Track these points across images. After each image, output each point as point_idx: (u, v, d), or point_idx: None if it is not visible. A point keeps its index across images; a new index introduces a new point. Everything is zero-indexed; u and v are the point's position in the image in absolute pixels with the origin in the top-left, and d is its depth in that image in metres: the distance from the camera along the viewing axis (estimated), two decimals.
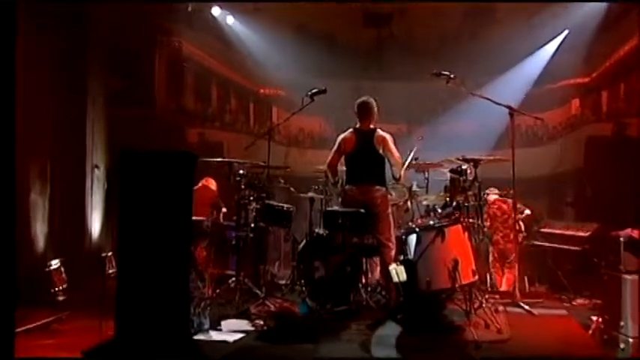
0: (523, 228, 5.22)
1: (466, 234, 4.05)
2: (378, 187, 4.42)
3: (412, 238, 4.06)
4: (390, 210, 4.49)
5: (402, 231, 4.28)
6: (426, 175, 5.12)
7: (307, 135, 8.12)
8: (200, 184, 5.56)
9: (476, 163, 4.39)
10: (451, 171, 4.31)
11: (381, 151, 4.43)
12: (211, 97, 7.54)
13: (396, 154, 4.49)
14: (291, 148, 7.84)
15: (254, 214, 4.74)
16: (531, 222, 5.44)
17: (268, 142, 4.73)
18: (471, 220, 4.22)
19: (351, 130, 4.56)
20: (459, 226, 4.04)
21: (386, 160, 4.51)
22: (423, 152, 5.15)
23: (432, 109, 7.63)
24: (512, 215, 4.83)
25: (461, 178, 4.19)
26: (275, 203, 5.04)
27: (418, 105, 7.61)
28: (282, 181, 5.51)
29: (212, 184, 5.67)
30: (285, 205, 5.10)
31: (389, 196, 4.61)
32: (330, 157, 4.61)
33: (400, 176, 4.51)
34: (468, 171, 4.26)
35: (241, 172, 4.70)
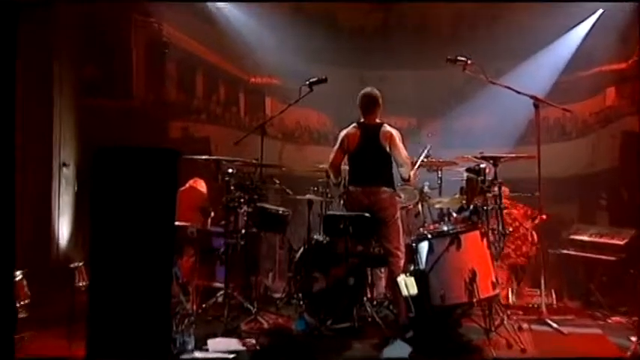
0: (536, 238, 5.19)
1: (485, 241, 4.07)
2: (384, 188, 4.40)
3: (424, 246, 4.09)
4: (398, 214, 4.48)
5: (413, 238, 4.30)
6: (439, 175, 5.13)
7: (305, 129, 8.11)
8: (187, 186, 5.59)
9: (496, 161, 4.40)
10: (467, 170, 4.32)
11: (388, 149, 4.42)
12: (196, 87, 7.54)
13: (404, 152, 4.47)
14: (286, 144, 7.85)
15: (245, 218, 4.76)
16: (556, 228, 5.45)
17: (261, 137, 4.74)
18: (490, 226, 4.25)
19: (354, 125, 4.56)
20: (477, 232, 4.07)
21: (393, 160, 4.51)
22: (435, 149, 5.16)
23: (446, 101, 7.63)
24: (525, 223, 4.83)
25: (479, 179, 4.20)
26: (269, 206, 5.07)
27: (430, 96, 7.62)
28: (277, 181, 5.53)
29: (201, 186, 5.69)
30: (280, 209, 5.13)
31: (397, 198, 4.61)
32: (332, 156, 4.60)
33: (409, 177, 4.49)
34: (487, 170, 4.27)
35: (230, 171, 4.72)
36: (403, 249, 4.37)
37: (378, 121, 4.54)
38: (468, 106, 7.36)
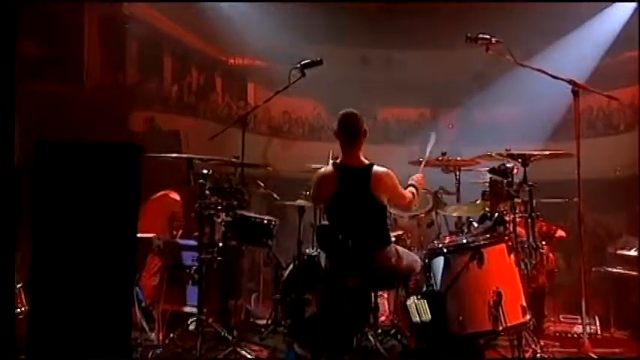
0: (553, 263, 5.19)
1: (512, 257, 4.07)
2: (380, 249, 4.22)
3: (438, 263, 4.10)
4: (400, 252, 4.33)
5: (425, 252, 4.30)
6: (457, 177, 5.14)
7: (296, 122, 8.14)
8: (160, 194, 5.65)
9: (526, 159, 4.39)
10: (491, 171, 4.32)
11: (384, 201, 4.20)
12: (163, 70, 7.56)
13: (408, 195, 4.32)
14: (273, 140, 7.86)
15: (222, 229, 4.76)
16: (600, 241, 5.46)
17: (243, 131, 4.74)
18: (519, 239, 4.26)
19: (330, 167, 4.27)
20: (503, 245, 4.08)
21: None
22: (453, 145, 5.19)
23: (465, 87, 7.68)
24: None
25: (505, 181, 4.20)
26: (251, 214, 5.08)
27: (446, 81, 7.66)
28: (261, 183, 5.55)
29: (174, 195, 5.77)
30: (266, 217, 5.15)
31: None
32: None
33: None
34: (515, 171, 4.26)
35: (205, 171, 4.71)
36: (416, 265, 4.34)
37: (363, 159, 4.22)
38: (491, 94, 7.42)
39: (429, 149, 4.86)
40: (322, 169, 4.33)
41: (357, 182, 4.17)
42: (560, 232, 5.38)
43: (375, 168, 4.18)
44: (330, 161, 4.41)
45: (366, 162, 4.22)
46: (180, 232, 5.43)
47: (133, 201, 3.35)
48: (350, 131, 4.22)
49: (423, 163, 4.68)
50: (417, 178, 4.57)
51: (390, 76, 8.21)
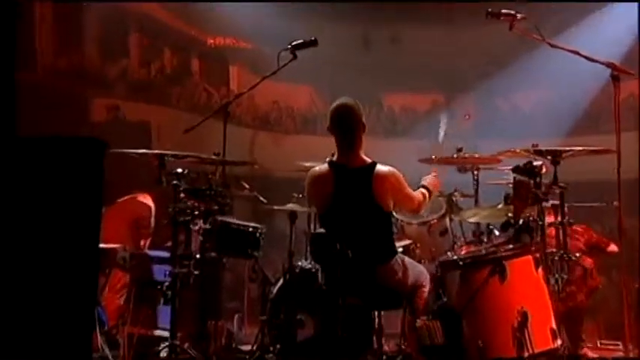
0: (598, 280, 5.22)
1: (540, 271, 4.08)
2: (385, 262, 4.24)
3: (453, 278, 4.12)
4: (407, 262, 4.37)
5: (438, 265, 4.31)
6: (476, 177, 5.15)
7: (287, 113, 8.15)
8: (126, 197, 5.69)
9: (556, 156, 4.40)
10: (515, 170, 4.31)
11: (390, 206, 4.22)
12: (130, 52, 7.54)
13: (417, 197, 4.34)
14: (260, 134, 7.86)
15: (200, 238, 4.77)
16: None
17: (224, 122, 4.75)
18: (548, 249, 4.27)
19: (325, 165, 4.29)
20: (529, 257, 4.08)
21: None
22: (470, 139, 5.19)
23: (484, 70, 7.68)
24: (584, 258, 4.82)
25: (531, 182, 4.20)
26: (234, 221, 5.08)
27: (462, 64, 7.66)
28: (246, 185, 5.57)
29: (145, 199, 5.80)
30: (251, 225, 5.15)
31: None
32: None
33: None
34: (543, 169, 4.27)
35: (179, 170, 4.72)
36: (426, 282, 4.37)
37: (364, 157, 4.23)
38: (514, 78, 7.43)
39: (442, 133, 4.85)
40: (316, 168, 4.34)
41: (357, 185, 4.18)
42: (613, 247, 5.36)
43: (379, 168, 4.18)
44: (327, 158, 4.39)
45: (368, 161, 4.22)
46: (148, 241, 5.41)
47: (94, 206, 3.30)
48: (345, 126, 4.23)
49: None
50: (431, 180, 4.57)
51: (396, 57, 8.21)
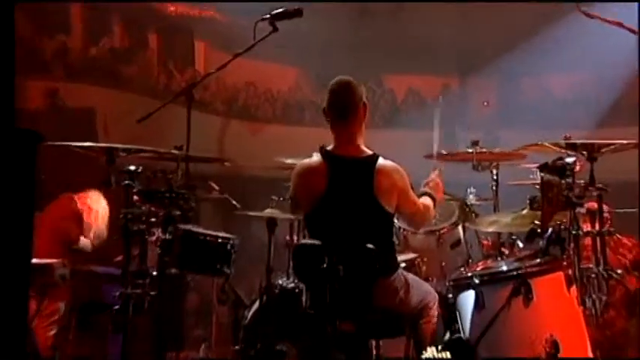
0: None
1: (574, 291, 4.08)
2: (383, 277, 4.21)
3: (467, 299, 4.12)
4: (410, 280, 4.37)
5: (449, 284, 4.33)
6: (495, 177, 5.19)
7: (265, 98, 8.16)
8: (63, 197, 5.71)
9: (592, 151, 4.39)
10: (543, 168, 4.29)
11: (391, 208, 4.22)
12: (71, 24, 7.50)
13: (419, 203, 4.34)
14: (232, 123, 7.84)
15: (159, 251, 4.72)
16: None
17: (188, 109, 4.70)
18: (583, 265, 4.22)
19: (317, 156, 4.32)
20: (560, 274, 4.09)
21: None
22: (488, 129, 5.19)
23: (506, 48, 7.69)
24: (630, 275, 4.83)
25: (563, 182, 4.18)
26: (201, 230, 5.08)
27: (477, 40, 7.67)
28: (216, 186, 5.61)
29: (90, 200, 5.78)
30: (221, 235, 5.14)
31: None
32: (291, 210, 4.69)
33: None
34: (577, 167, 4.25)
35: (132, 168, 4.70)
36: (433, 304, 4.37)
37: (364, 148, 4.27)
38: (544, 58, 7.43)
39: (436, 136, 4.84)
40: (306, 160, 4.36)
41: (355, 179, 4.19)
42: None
43: (382, 161, 4.19)
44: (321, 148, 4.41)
45: (369, 152, 4.24)
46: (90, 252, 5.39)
47: (24, 211, 3.30)
48: (342, 105, 4.26)
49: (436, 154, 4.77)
50: (433, 184, 4.55)
51: (399, 32, 8.21)
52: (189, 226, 4.93)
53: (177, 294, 5.03)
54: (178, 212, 4.72)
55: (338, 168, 4.21)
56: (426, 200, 4.43)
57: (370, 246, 4.20)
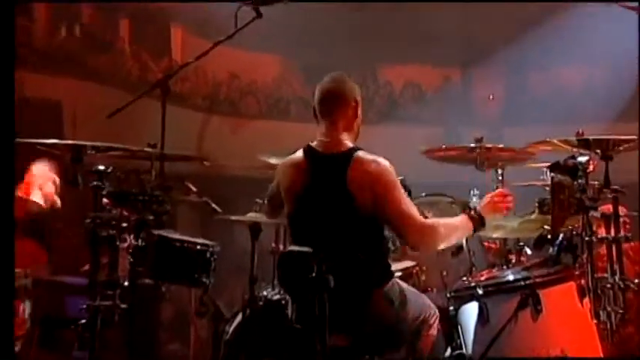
0: None
1: (587, 303, 4.08)
2: (375, 288, 4.20)
3: (470, 312, 4.14)
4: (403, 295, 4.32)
5: (450, 296, 4.33)
6: (500, 177, 5.20)
7: (249, 91, 8.14)
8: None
9: (608, 149, 4.39)
10: (553, 168, 4.29)
11: (369, 208, 4.13)
12: (34, 10, 7.50)
13: (406, 208, 4.13)
14: (213, 119, 7.88)
15: (130, 259, 4.74)
16: None
17: (163, 103, 4.74)
18: (596, 274, 4.21)
19: (299, 152, 4.36)
20: (572, 284, 4.10)
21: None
22: (494, 126, 5.17)
23: (513, 36, 7.69)
24: None
25: (575, 183, 4.17)
26: (177, 236, 5.06)
27: (484, 28, 7.67)
28: (193, 187, 5.62)
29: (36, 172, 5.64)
30: (200, 241, 5.13)
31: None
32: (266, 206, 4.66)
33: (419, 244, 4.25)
34: (590, 167, 4.26)
35: (102, 168, 4.67)
36: (433, 316, 4.35)
37: (348, 144, 4.25)
38: (555, 48, 7.43)
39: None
40: (290, 156, 4.39)
41: (330, 174, 4.17)
42: None
43: (360, 153, 4.15)
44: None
45: (350, 145, 4.22)
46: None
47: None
48: (327, 100, 4.30)
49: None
50: (489, 202, 4.37)
51: (396, 19, 8.21)
52: (164, 232, 4.93)
53: (151, 306, 5.09)
54: (152, 216, 4.75)
55: (316, 164, 4.23)
56: (453, 220, 4.27)
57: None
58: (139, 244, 4.71)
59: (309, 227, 4.24)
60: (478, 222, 4.23)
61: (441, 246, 4.19)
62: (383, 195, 4.10)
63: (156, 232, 4.80)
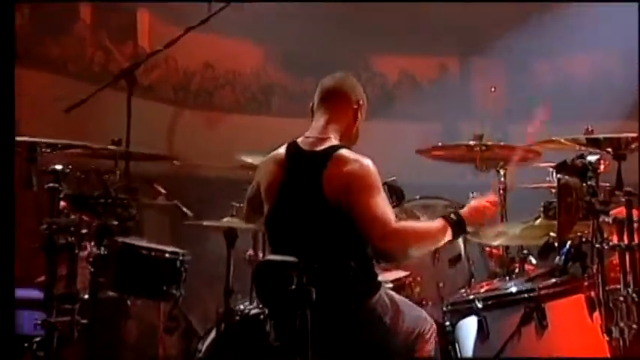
0: None
1: (597, 317, 4.09)
2: (360, 301, 4.20)
3: (469, 327, 4.16)
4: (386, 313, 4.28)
5: (447, 309, 4.38)
6: (502, 179, 5.25)
7: (226, 82, 8.15)
8: None
9: (620, 147, 4.40)
10: (559, 168, 4.28)
11: (342, 206, 4.11)
12: None
13: (375, 210, 4.07)
14: (184, 113, 7.85)
15: (91, 269, 4.75)
16: None
17: (128, 96, 4.76)
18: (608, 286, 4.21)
19: (282, 149, 4.38)
20: (580, 296, 4.12)
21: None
22: (495, 121, 5.18)
23: (516, 24, 7.71)
24: None
25: (584, 185, 4.18)
26: (143, 244, 5.10)
27: (484, 15, 7.71)
28: (162, 189, 5.66)
29: None
30: (169, 249, 5.15)
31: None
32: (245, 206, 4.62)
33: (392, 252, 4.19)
34: (601, 167, 4.25)
35: (59, 167, 4.69)
36: (429, 330, 4.34)
37: (333, 140, 4.27)
38: (562, 36, 7.44)
39: None
40: (272, 152, 4.40)
41: (307, 173, 4.19)
42: None
43: (341, 152, 4.15)
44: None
45: (334, 142, 4.22)
46: None
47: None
48: (327, 97, 4.37)
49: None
50: (477, 207, 4.38)
51: (389, 5, 8.23)
52: (129, 239, 4.95)
53: (114, 322, 5.09)
54: (116, 222, 4.77)
55: (295, 161, 4.25)
56: (427, 225, 4.28)
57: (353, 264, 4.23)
58: (101, 252, 4.73)
59: (286, 232, 4.26)
60: (456, 227, 4.19)
61: (413, 253, 4.17)
62: (354, 196, 4.09)
63: (120, 239, 4.83)
